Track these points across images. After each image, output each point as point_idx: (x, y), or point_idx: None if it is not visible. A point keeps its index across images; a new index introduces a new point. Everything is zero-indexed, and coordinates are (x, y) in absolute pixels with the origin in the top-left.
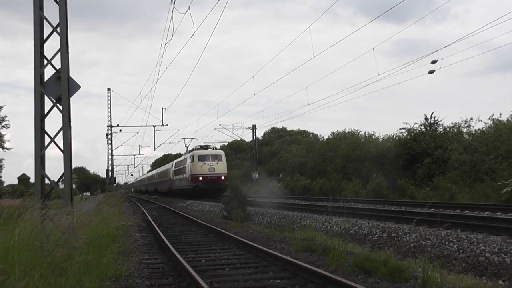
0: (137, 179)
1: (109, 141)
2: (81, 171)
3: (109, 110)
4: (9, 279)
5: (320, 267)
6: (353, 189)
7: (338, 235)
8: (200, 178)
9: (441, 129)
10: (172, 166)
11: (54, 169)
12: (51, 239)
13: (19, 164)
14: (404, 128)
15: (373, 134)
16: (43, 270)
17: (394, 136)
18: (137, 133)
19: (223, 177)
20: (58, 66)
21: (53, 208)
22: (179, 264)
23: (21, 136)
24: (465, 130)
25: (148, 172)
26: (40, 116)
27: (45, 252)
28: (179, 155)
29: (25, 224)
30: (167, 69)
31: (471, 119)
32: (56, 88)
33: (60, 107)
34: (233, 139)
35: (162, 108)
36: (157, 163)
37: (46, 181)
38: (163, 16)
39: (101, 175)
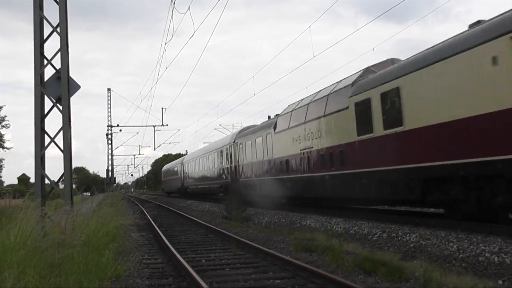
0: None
1: (109, 141)
2: (81, 171)
3: (109, 110)
4: (6, 279)
5: (320, 267)
6: None
7: (338, 235)
8: None
9: None
10: None
11: (54, 169)
12: (49, 238)
13: (19, 164)
14: None
15: None
16: (42, 270)
17: None
18: (137, 133)
19: None
20: (58, 66)
21: (53, 208)
22: (179, 264)
23: (22, 136)
24: None
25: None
26: (40, 116)
27: (44, 251)
28: (179, 155)
29: (23, 224)
30: (167, 69)
31: None
32: (56, 88)
33: (60, 107)
34: None
35: (162, 108)
36: (157, 163)
37: (46, 181)
38: (163, 17)
39: (101, 175)
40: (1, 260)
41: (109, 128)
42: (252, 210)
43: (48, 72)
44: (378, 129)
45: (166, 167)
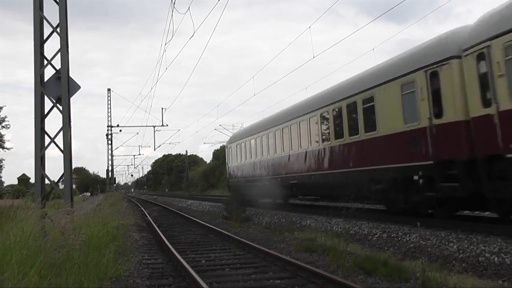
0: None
1: (109, 142)
2: (81, 171)
3: (109, 110)
4: (7, 279)
5: (320, 267)
6: None
7: (338, 235)
8: None
9: None
10: None
11: (54, 169)
12: (50, 239)
13: (19, 164)
14: None
15: None
16: (42, 270)
17: None
18: (137, 133)
19: None
20: (58, 66)
21: (53, 209)
22: (179, 264)
23: (22, 136)
24: None
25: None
26: (40, 116)
27: (44, 252)
28: (179, 155)
29: (23, 224)
30: (167, 69)
31: None
32: (56, 88)
33: (60, 107)
34: None
35: (162, 109)
36: (157, 163)
37: (46, 181)
38: (164, 17)
39: (101, 175)
40: (1, 260)
41: (109, 128)
42: (252, 210)
43: (48, 72)
44: None
45: (246, 132)
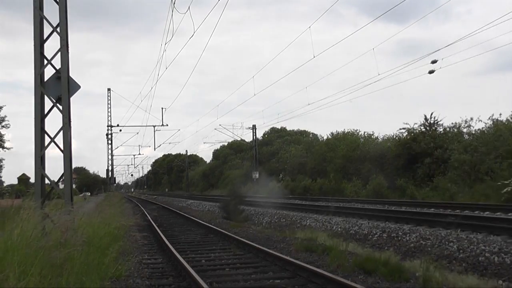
0: None
1: (109, 141)
2: (81, 171)
3: (109, 110)
4: (8, 279)
5: (320, 267)
6: (353, 189)
7: (338, 235)
8: None
9: (441, 129)
10: None
11: (54, 169)
12: (51, 238)
13: (19, 164)
14: (404, 128)
15: (373, 134)
16: (43, 270)
17: (394, 136)
18: (137, 133)
19: None
20: (58, 66)
21: (55, 209)
22: (179, 264)
23: (22, 136)
24: (465, 130)
25: None
26: (40, 116)
27: (45, 252)
28: (179, 155)
29: (24, 224)
30: (167, 69)
31: (471, 119)
32: (56, 88)
33: (60, 107)
34: (233, 139)
35: (162, 108)
36: (157, 163)
37: (46, 181)
38: (164, 17)
39: (101, 175)
40: (2, 260)
41: (109, 128)
42: (252, 210)
43: (48, 72)
44: None
45: None
